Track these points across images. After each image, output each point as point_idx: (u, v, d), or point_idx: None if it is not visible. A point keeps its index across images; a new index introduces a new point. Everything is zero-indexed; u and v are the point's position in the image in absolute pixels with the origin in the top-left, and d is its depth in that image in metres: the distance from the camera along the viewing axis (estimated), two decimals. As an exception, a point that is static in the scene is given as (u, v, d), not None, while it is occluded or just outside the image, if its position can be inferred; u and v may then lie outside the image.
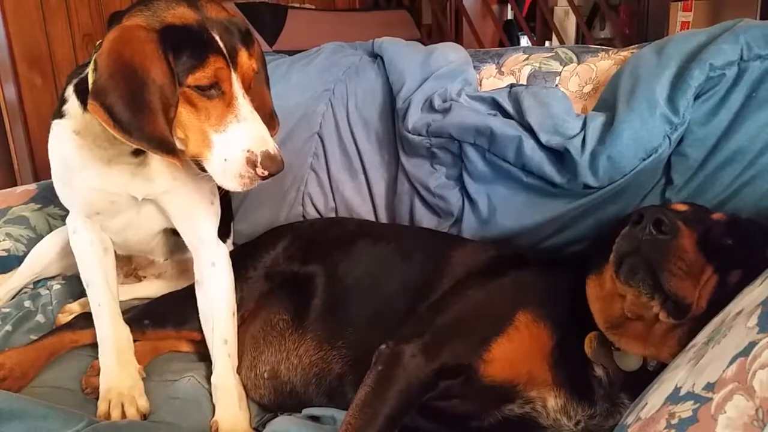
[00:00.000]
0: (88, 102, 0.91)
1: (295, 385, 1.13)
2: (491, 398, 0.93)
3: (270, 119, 1.10)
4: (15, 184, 2.51)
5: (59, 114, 1.08)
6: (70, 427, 0.92)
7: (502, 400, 0.93)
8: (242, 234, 1.54)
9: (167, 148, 0.92)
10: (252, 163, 0.95)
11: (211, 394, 1.12)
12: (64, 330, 1.26)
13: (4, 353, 1.17)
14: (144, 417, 1.08)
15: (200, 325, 1.19)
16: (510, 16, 4.27)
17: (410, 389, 0.89)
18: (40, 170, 2.69)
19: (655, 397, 0.70)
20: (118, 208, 1.16)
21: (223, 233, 1.25)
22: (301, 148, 1.58)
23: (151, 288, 1.48)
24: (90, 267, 1.20)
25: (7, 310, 1.39)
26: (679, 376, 0.69)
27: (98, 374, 1.12)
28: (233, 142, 0.95)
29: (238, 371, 1.16)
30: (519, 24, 3.79)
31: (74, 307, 1.41)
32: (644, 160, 1.15)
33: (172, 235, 1.28)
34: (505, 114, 1.32)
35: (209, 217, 1.19)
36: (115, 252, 1.27)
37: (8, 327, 1.30)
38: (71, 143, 1.07)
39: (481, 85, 1.50)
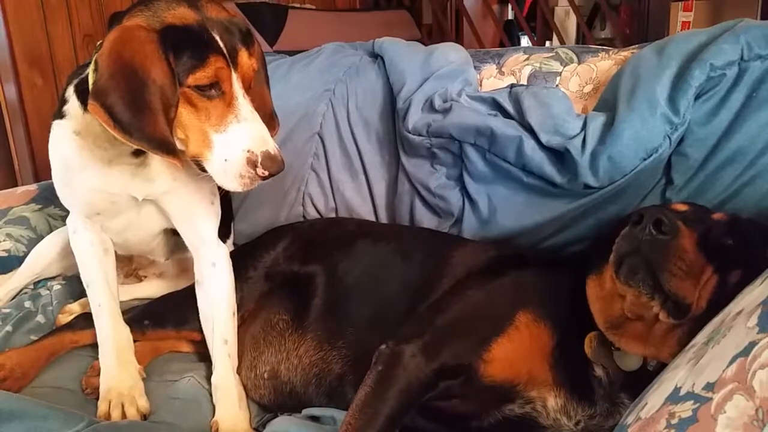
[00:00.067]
0: (88, 102, 0.91)
1: (295, 386, 1.13)
2: (491, 398, 0.93)
3: (270, 119, 1.10)
4: (15, 185, 2.52)
5: (60, 114, 1.08)
6: (71, 428, 0.92)
7: (502, 400, 0.93)
8: (242, 234, 1.54)
9: (167, 149, 0.92)
10: (252, 164, 0.95)
11: (211, 395, 1.12)
12: (64, 330, 1.26)
13: (5, 354, 1.17)
14: (144, 417, 1.08)
15: (200, 325, 1.19)
16: (510, 16, 4.27)
17: (410, 389, 0.89)
18: (41, 171, 2.68)
19: (655, 397, 0.70)
20: (119, 209, 1.16)
21: (224, 233, 1.25)
22: (302, 149, 1.58)
23: (152, 288, 1.48)
24: (90, 267, 1.20)
25: (8, 310, 1.39)
26: (679, 376, 0.69)
27: (98, 374, 1.13)
28: (233, 143, 0.95)
29: (238, 371, 1.16)
30: (519, 24, 3.79)
31: (74, 308, 1.41)
32: (645, 160, 1.15)
33: (172, 235, 1.28)
34: (506, 114, 1.32)
35: (209, 217, 1.19)
36: (116, 252, 1.27)
37: (8, 327, 1.30)
38: (72, 144, 1.08)
39: (481, 85, 1.49)
